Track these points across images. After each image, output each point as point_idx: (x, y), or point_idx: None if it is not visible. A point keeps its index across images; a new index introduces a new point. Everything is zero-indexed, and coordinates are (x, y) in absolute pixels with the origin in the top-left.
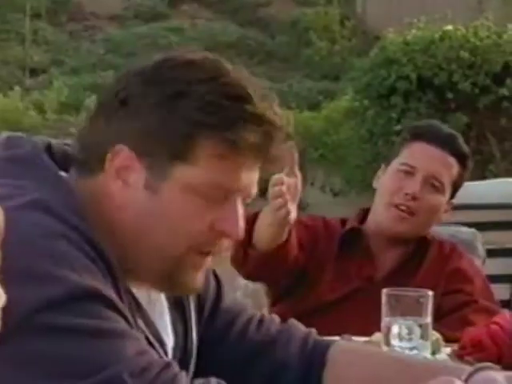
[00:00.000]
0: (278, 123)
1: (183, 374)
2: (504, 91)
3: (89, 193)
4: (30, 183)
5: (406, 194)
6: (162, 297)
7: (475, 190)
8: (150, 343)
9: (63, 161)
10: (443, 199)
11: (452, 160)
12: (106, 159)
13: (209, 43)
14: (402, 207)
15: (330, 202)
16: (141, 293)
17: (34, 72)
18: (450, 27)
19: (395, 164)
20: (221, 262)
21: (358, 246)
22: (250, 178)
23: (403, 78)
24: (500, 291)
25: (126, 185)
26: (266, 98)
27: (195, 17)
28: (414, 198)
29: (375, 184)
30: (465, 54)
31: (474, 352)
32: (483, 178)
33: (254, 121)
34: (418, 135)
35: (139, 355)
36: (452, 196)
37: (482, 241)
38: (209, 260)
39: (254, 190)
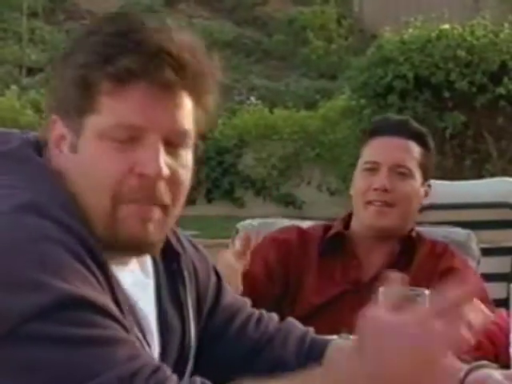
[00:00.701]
0: (165, 47)
1: (174, 377)
2: (501, 90)
3: (53, 175)
4: (21, 180)
5: (376, 189)
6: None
7: (472, 189)
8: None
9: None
10: (415, 183)
11: (410, 143)
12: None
13: (206, 42)
14: (378, 203)
15: (326, 200)
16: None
17: (30, 71)
18: (446, 26)
19: (360, 165)
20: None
21: (343, 250)
22: (159, 111)
23: (400, 77)
24: (496, 290)
25: (61, 154)
26: (166, 30)
27: (192, 16)
28: (386, 191)
29: (351, 190)
30: (462, 53)
31: (470, 351)
32: (480, 176)
33: (136, 48)
34: (372, 132)
35: (130, 360)
36: (425, 178)
37: (476, 241)
38: (147, 209)
39: (177, 126)
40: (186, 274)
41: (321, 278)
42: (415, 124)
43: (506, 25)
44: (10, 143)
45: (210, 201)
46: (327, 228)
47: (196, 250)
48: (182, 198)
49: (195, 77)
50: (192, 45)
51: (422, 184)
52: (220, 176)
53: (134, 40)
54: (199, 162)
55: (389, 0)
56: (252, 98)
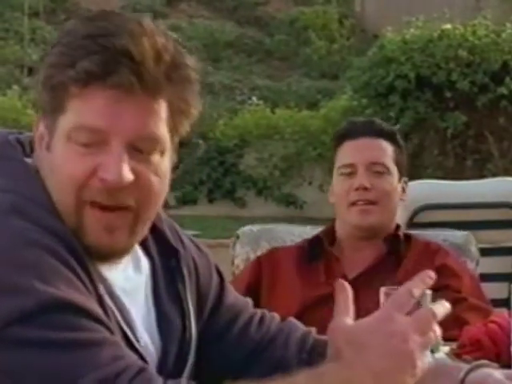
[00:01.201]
0: (127, 50)
1: (159, 379)
2: (503, 90)
3: (37, 175)
4: (1, 181)
5: (357, 189)
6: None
7: (474, 189)
8: (126, 337)
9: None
10: (393, 180)
11: (381, 141)
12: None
13: (207, 42)
14: (361, 202)
15: (327, 200)
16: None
17: (32, 71)
18: (448, 26)
19: (336, 171)
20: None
21: (324, 254)
22: (122, 115)
23: (402, 77)
24: (497, 290)
25: (41, 153)
26: (135, 32)
27: (193, 15)
28: (366, 189)
29: (330, 199)
30: (463, 53)
31: (472, 351)
32: (482, 176)
33: (99, 51)
34: (342, 137)
35: (115, 361)
36: (401, 174)
37: (475, 243)
38: (112, 216)
39: (140, 131)
40: (185, 271)
41: (304, 285)
42: (382, 123)
43: (508, 25)
44: None
45: (211, 201)
46: (311, 241)
47: (198, 249)
48: (154, 204)
49: (165, 82)
50: (164, 49)
51: (399, 180)
52: (221, 176)
53: (100, 43)
54: (201, 162)
55: (390, 0)
56: (254, 98)
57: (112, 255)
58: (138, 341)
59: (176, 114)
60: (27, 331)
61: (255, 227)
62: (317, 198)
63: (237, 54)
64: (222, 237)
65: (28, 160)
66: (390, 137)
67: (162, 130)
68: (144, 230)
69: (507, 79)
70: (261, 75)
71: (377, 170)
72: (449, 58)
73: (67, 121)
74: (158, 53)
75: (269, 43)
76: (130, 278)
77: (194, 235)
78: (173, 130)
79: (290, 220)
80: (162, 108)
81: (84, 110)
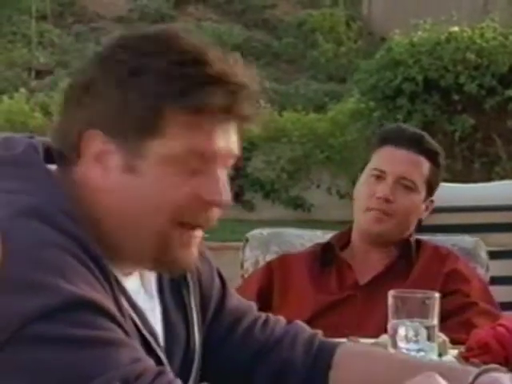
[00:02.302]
0: (240, 81)
1: (178, 381)
2: (510, 93)
3: (69, 185)
4: (22, 186)
5: (379, 198)
6: (154, 290)
7: (482, 192)
8: (146, 341)
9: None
10: (418, 198)
11: (421, 158)
12: (81, 147)
13: (215, 45)
14: (377, 211)
15: (335, 203)
16: (134, 285)
17: (39, 74)
18: (456, 29)
19: (367, 171)
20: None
21: (336, 260)
22: (226, 140)
23: (409, 80)
24: (506, 293)
25: (105, 170)
26: (226, 58)
27: (201, 18)
28: (387, 201)
29: (354, 192)
30: (471, 56)
31: (480, 354)
32: (489, 179)
33: (215, 82)
34: (385, 140)
35: (133, 363)
36: (430, 194)
37: (484, 248)
38: (199, 235)
39: (235, 153)
40: (189, 277)
41: (316, 291)
42: (430, 140)
43: None
44: (15, 149)
45: None
46: (325, 246)
47: (199, 254)
48: None
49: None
50: (247, 71)
51: (425, 199)
52: (229, 179)
53: (209, 74)
54: None
55: (398, 2)
56: (261, 101)
57: (183, 270)
58: (159, 345)
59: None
60: (49, 328)
61: (265, 231)
62: (324, 201)
63: (244, 57)
64: (230, 240)
65: (50, 166)
66: (431, 156)
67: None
68: None
69: None
70: (268, 78)
71: (405, 184)
72: (456, 60)
73: (169, 146)
74: (249, 76)
75: (276, 46)
76: (143, 285)
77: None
78: None
79: (298, 223)
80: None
81: (193, 136)
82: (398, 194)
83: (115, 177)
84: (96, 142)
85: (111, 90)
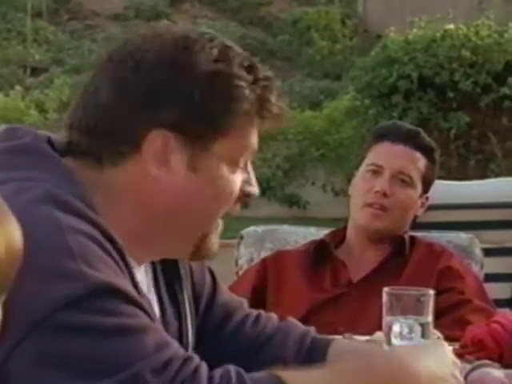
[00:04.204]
0: (270, 80)
1: (204, 365)
2: (505, 90)
3: (113, 181)
4: (38, 174)
5: (376, 192)
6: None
7: (477, 189)
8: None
9: (63, 151)
10: (414, 193)
11: (417, 154)
12: (143, 145)
13: None
14: (375, 205)
15: (330, 201)
16: (141, 276)
17: (35, 71)
18: (451, 26)
19: (363, 167)
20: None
21: (330, 258)
22: (256, 137)
23: (404, 77)
24: (501, 290)
25: (168, 168)
26: (252, 60)
27: (196, 16)
28: (385, 195)
29: (350, 189)
30: (466, 53)
31: (475, 351)
32: (485, 177)
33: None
34: (381, 136)
35: (160, 349)
36: (425, 190)
37: (479, 246)
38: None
39: None
40: (182, 271)
41: (310, 288)
42: (425, 136)
43: (511, 25)
44: (21, 138)
45: None
46: (320, 243)
47: None
48: None
49: None
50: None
51: (421, 195)
52: None
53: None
54: None
55: (393, 0)
56: None
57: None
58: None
59: None
60: (76, 316)
61: (259, 228)
62: (320, 199)
63: None
64: (226, 237)
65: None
66: (427, 152)
67: None
68: None
69: (510, 79)
70: None
71: (402, 178)
72: (452, 58)
73: (233, 145)
74: None
75: (272, 43)
76: (146, 278)
77: None
78: None
79: (293, 220)
80: None
81: (249, 135)
82: (395, 188)
83: (177, 175)
84: (161, 141)
85: (186, 91)
